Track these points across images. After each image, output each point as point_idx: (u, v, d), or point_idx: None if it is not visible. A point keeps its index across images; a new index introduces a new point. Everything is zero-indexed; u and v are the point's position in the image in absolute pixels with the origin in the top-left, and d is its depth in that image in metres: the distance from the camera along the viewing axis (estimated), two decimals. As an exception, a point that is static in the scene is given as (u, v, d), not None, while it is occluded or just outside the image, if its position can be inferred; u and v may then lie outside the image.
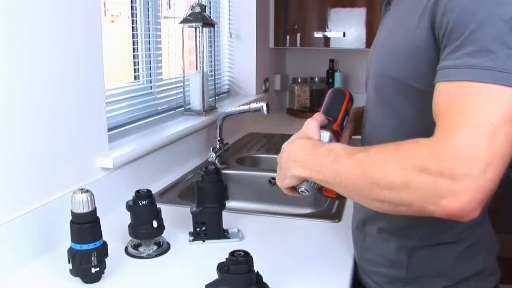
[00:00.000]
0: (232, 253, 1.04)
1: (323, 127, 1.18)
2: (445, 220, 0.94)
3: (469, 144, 0.76)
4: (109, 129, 1.62)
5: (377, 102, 1.09)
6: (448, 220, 0.83)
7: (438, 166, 0.77)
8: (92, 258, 1.11)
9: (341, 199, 1.44)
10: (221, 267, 1.04)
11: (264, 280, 1.06)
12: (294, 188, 1.06)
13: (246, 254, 1.04)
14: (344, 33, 3.23)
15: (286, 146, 1.07)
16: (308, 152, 0.99)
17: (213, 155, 2.03)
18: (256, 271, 1.04)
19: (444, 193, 0.77)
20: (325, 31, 3.27)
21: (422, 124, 0.98)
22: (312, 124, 1.08)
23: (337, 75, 3.52)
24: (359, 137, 1.29)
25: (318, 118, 1.11)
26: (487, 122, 0.76)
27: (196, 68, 2.44)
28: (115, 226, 1.37)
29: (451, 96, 0.82)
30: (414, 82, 0.96)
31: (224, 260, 1.05)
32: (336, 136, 1.21)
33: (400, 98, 1.01)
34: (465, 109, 0.79)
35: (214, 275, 1.07)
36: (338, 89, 1.27)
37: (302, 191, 1.06)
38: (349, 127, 1.26)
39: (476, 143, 0.76)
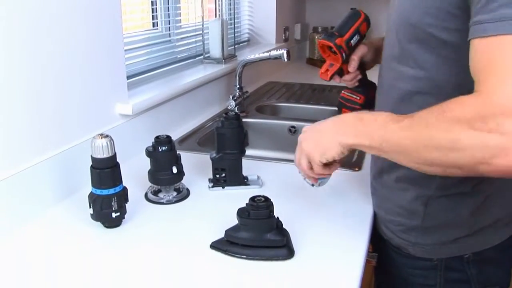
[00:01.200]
0: (252, 199, 1.04)
1: (325, 39, 1.19)
2: None
3: None
4: (128, 77, 1.61)
5: (396, 49, 1.07)
6: None
7: (486, 123, 0.75)
8: (113, 203, 1.11)
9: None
10: (241, 212, 1.04)
11: (284, 226, 1.06)
12: (328, 166, 1.07)
13: (267, 199, 1.03)
14: (366, -20, 3.16)
15: (310, 128, 1.07)
16: (353, 121, 0.98)
17: (233, 103, 2.02)
18: (276, 217, 1.04)
19: (494, 151, 0.74)
20: (347, -23, 3.19)
21: (445, 73, 0.97)
22: None
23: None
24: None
25: None
26: None
27: (216, 16, 2.40)
28: (134, 173, 1.37)
29: (490, 51, 0.79)
30: (433, 29, 0.94)
31: (244, 206, 1.05)
32: (339, 51, 1.21)
33: (420, 47, 0.99)
34: (507, 63, 0.76)
35: (233, 221, 1.07)
36: (354, 9, 1.29)
37: (319, 183, 1.10)
38: (362, 49, 1.27)
39: None
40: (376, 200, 1.23)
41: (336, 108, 1.47)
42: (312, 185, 1.15)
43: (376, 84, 1.30)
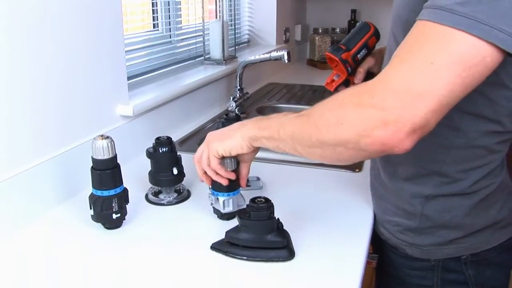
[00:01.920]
0: (253, 200, 1.04)
1: (331, 52, 1.20)
2: (457, 170, 0.93)
3: (404, 78, 0.76)
4: (129, 78, 1.61)
5: (394, 47, 1.06)
6: (460, 169, 0.83)
7: (371, 98, 0.78)
8: (113, 204, 1.11)
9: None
10: (241, 214, 1.04)
11: (284, 227, 1.06)
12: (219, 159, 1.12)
13: (267, 200, 1.03)
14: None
15: (216, 131, 1.15)
16: (258, 118, 1.06)
17: (233, 104, 2.02)
18: (277, 218, 1.04)
19: (375, 123, 0.77)
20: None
21: None
22: None
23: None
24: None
25: None
26: (428, 60, 0.75)
27: (216, 17, 2.40)
28: (135, 174, 1.37)
29: (410, 34, 0.81)
30: None
31: (245, 206, 1.05)
32: (345, 65, 1.21)
33: None
34: (414, 47, 0.78)
35: (234, 222, 1.07)
36: (365, 22, 1.28)
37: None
38: (370, 62, 1.27)
39: (411, 78, 0.75)
40: (375, 200, 1.23)
41: None
42: (221, 214, 1.18)
43: None
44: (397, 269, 1.20)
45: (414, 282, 1.17)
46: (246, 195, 1.18)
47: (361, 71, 1.28)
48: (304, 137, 0.90)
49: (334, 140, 0.84)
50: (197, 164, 1.16)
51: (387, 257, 1.22)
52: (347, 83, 1.31)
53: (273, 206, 1.03)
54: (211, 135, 1.13)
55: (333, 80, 1.32)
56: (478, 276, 1.11)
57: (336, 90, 1.33)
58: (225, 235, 1.05)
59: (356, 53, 1.24)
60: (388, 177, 1.14)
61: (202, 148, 1.14)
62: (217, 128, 1.32)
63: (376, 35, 1.27)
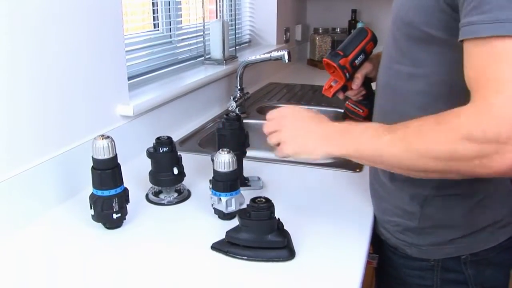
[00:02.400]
0: (253, 200, 1.04)
1: (329, 58, 1.20)
2: None
3: (507, 106, 0.75)
4: (129, 78, 1.61)
5: (393, 48, 1.07)
6: None
7: (484, 133, 0.76)
8: (114, 204, 1.11)
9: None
10: (242, 214, 1.04)
11: (285, 227, 1.06)
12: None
13: (268, 200, 1.03)
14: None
15: (293, 117, 1.07)
16: (340, 131, 0.99)
17: (234, 104, 2.02)
18: (277, 218, 1.04)
19: (493, 157, 0.77)
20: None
21: (440, 71, 0.97)
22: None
23: (359, 26, 3.45)
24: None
25: None
26: None
27: (216, 17, 2.40)
28: (135, 174, 1.37)
29: (483, 56, 0.79)
30: (427, 27, 0.94)
31: (245, 206, 1.05)
32: (343, 71, 1.21)
33: (415, 44, 0.99)
34: (501, 70, 0.76)
35: (234, 222, 1.07)
36: (362, 28, 1.28)
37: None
38: (367, 68, 1.28)
39: None
40: (374, 200, 1.23)
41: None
42: (223, 214, 1.18)
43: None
44: (397, 269, 1.20)
45: (414, 282, 1.17)
46: (247, 195, 1.18)
47: (359, 76, 1.29)
48: (408, 165, 0.89)
49: (446, 170, 0.85)
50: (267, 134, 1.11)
51: (387, 257, 1.22)
52: (344, 88, 1.32)
53: (273, 206, 1.03)
54: (288, 133, 1.05)
55: (330, 86, 1.33)
56: (478, 276, 1.11)
57: (334, 96, 1.34)
58: (226, 235, 1.05)
59: (354, 59, 1.24)
60: (388, 178, 1.14)
61: (273, 128, 1.09)
62: (219, 128, 1.32)
63: (374, 40, 1.28)
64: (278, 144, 1.06)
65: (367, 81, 1.33)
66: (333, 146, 0.98)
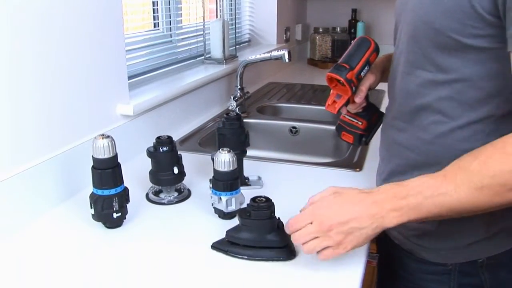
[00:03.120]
0: (253, 199, 1.03)
1: (334, 72, 1.15)
2: None
3: None
4: (129, 78, 1.61)
5: (412, 54, 1.04)
6: None
7: None
8: (114, 203, 1.11)
9: (362, 146, 1.41)
10: (242, 213, 1.04)
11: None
12: None
13: (268, 200, 1.03)
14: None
15: (335, 212, 0.93)
16: (386, 197, 0.91)
17: (234, 103, 2.02)
18: (277, 218, 1.04)
19: None
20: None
21: (466, 75, 0.95)
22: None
23: (360, 25, 3.45)
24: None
25: None
26: None
27: (217, 16, 2.40)
28: (136, 173, 1.37)
29: None
30: (459, 35, 0.92)
31: (245, 206, 1.05)
32: (350, 85, 1.17)
33: (441, 50, 0.97)
34: None
35: (235, 221, 1.07)
36: (364, 37, 1.22)
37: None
38: (370, 79, 1.22)
39: None
40: None
41: (335, 129, 1.38)
42: (223, 214, 1.17)
43: (377, 106, 1.28)
44: (410, 273, 1.18)
45: (429, 286, 1.15)
46: (247, 194, 1.18)
47: (363, 89, 1.21)
48: (482, 207, 0.87)
49: None
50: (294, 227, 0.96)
51: (400, 261, 1.20)
52: (346, 102, 1.24)
53: (273, 205, 1.03)
54: (335, 230, 0.91)
55: (334, 101, 1.24)
56: (494, 280, 1.09)
57: (339, 111, 1.26)
58: (226, 234, 1.05)
59: (360, 71, 1.17)
60: None
61: (313, 230, 0.93)
62: (219, 128, 1.32)
63: (377, 50, 1.20)
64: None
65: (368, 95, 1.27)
66: (391, 222, 0.90)
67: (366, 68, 1.18)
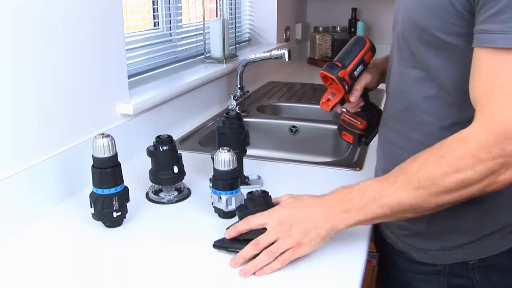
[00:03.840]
0: (249, 193, 1.05)
1: (326, 70, 1.15)
2: None
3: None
4: (129, 77, 1.61)
5: (403, 52, 1.05)
6: None
7: (490, 153, 0.80)
8: (114, 203, 1.11)
9: (362, 146, 1.41)
10: (240, 207, 1.04)
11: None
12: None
13: (264, 191, 1.04)
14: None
15: (293, 214, 0.99)
16: (336, 201, 0.98)
17: (234, 102, 2.01)
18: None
19: (500, 171, 0.81)
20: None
21: (452, 75, 0.96)
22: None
23: (360, 25, 3.45)
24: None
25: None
26: None
27: (217, 16, 2.40)
28: (136, 172, 1.37)
29: (494, 67, 0.80)
30: (441, 33, 0.92)
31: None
32: (342, 83, 1.16)
33: (427, 49, 0.97)
34: (508, 84, 0.78)
35: (235, 221, 1.07)
36: (359, 37, 1.22)
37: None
38: (366, 78, 1.21)
39: None
40: None
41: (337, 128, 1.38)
42: (223, 213, 1.18)
43: (378, 106, 1.27)
44: (402, 272, 1.19)
45: (419, 286, 1.16)
46: (246, 193, 1.18)
47: (358, 88, 1.21)
48: (421, 207, 0.91)
49: (458, 198, 0.88)
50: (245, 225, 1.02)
51: (392, 261, 1.21)
52: (342, 101, 1.24)
53: (270, 197, 1.04)
54: (295, 231, 0.97)
55: (328, 99, 1.25)
56: (485, 282, 1.09)
57: (332, 110, 1.26)
58: (226, 230, 1.05)
59: (353, 70, 1.17)
60: None
61: (272, 236, 0.98)
62: (219, 127, 1.32)
63: (372, 49, 1.20)
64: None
65: (365, 92, 1.26)
66: (341, 223, 0.97)
67: (360, 67, 1.18)
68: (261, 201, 1.03)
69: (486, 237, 1.07)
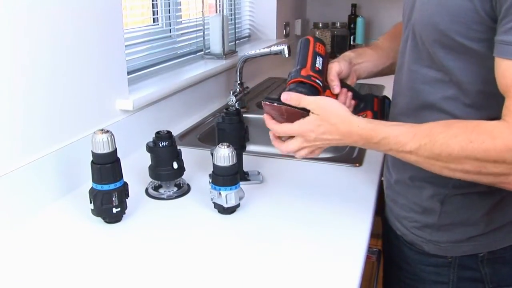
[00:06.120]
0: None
1: (292, 77, 1.14)
2: None
3: None
4: (129, 73, 1.61)
5: (421, 52, 1.04)
6: None
7: None
8: (113, 198, 1.11)
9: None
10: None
11: (284, 222, 1.05)
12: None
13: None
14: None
15: (311, 129, 1.07)
16: (363, 141, 1.02)
17: (233, 98, 2.01)
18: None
19: None
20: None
21: (471, 78, 0.96)
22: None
23: (359, 21, 3.44)
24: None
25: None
26: None
27: (216, 11, 2.40)
28: (135, 168, 1.37)
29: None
30: (462, 38, 0.92)
31: (244, 203, 1.05)
32: (310, 80, 1.12)
33: (446, 52, 0.97)
34: None
35: (234, 216, 1.07)
36: (303, 38, 1.21)
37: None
38: (335, 67, 1.19)
39: None
40: (391, 194, 1.22)
41: None
42: (223, 208, 1.17)
43: (373, 94, 1.26)
44: (411, 265, 1.19)
45: (429, 278, 1.16)
46: (246, 189, 1.18)
47: (333, 79, 1.18)
48: (433, 171, 0.95)
49: (472, 179, 0.91)
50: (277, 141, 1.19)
51: (402, 252, 1.21)
52: None
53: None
54: (319, 144, 1.09)
55: None
56: (494, 274, 1.10)
57: None
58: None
59: (313, 65, 1.14)
60: (408, 177, 1.13)
61: (299, 144, 1.11)
62: (218, 123, 1.32)
63: (320, 41, 1.19)
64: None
65: (350, 88, 1.22)
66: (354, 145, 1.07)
67: (317, 58, 1.16)
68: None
69: (496, 230, 1.07)
